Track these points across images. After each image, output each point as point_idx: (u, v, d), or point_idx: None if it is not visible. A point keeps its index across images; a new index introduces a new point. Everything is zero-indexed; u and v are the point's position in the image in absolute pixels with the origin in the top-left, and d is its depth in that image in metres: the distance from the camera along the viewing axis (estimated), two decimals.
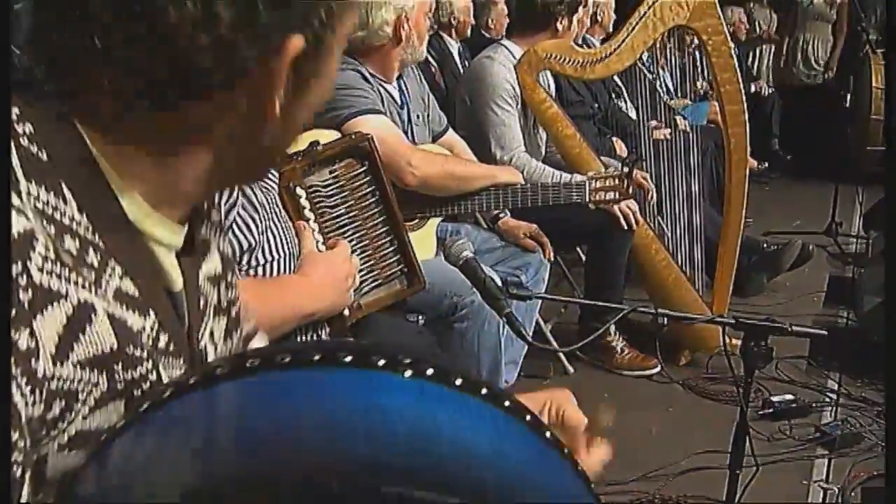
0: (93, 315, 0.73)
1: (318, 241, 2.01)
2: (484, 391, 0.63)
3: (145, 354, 0.78)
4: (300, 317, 1.80)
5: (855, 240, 5.70)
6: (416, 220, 2.97)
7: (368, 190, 2.20)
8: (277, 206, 1.88)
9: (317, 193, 2.10)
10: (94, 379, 0.73)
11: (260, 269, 1.78)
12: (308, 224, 2.01)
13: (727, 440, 2.18)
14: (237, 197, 1.71)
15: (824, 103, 7.14)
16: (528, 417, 0.65)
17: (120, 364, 0.75)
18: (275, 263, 1.82)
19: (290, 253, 1.86)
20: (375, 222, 2.23)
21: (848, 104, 6.16)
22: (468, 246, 2.01)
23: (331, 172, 2.14)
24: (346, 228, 2.16)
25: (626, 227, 3.57)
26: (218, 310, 0.95)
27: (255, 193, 1.77)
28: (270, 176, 1.89)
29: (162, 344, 0.81)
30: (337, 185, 2.14)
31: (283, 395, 0.61)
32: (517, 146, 3.58)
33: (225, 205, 1.69)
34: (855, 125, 6.63)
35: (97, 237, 0.76)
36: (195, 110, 0.77)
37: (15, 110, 0.74)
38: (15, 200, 0.70)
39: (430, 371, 0.63)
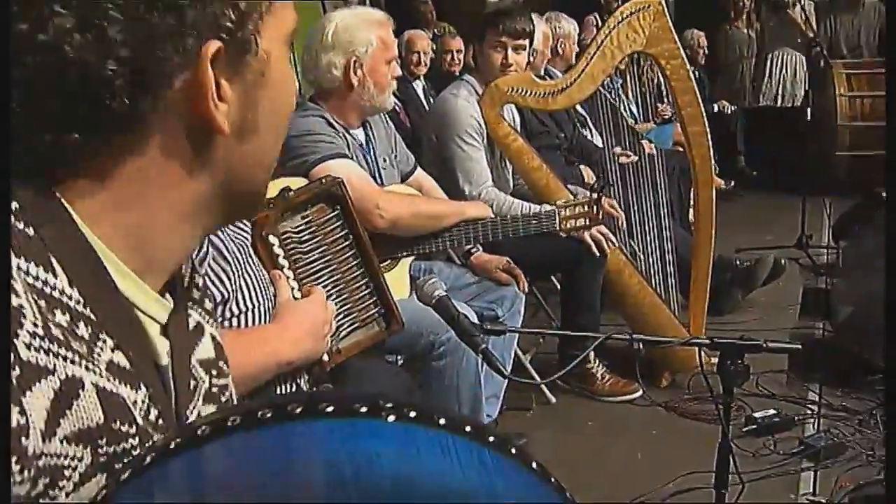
0: (80, 390, 0.72)
1: (293, 289, 2.00)
2: (468, 428, 0.63)
3: (133, 429, 0.77)
4: (277, 366, 1.79)
5: (826, 251, 5.75)
6: (389, 261, 2.97)
7: (341, 234, 2.20)
8: (250, 255, 1.87)
9: (290, 240, 2.10)
10: (78, 454, 0.72)
11: (235, 321, 1.77)
12: (283, 272, 2.01)
13: (713, 459, 2.19)
14: (207, 249, 1.71)
15: (787, 118, 7.23)
16: (513, 450, 0.65)
17: (104, 439, 0.74)
18: (249, 314, 1.81)
19: (265, 302, 1.85)
20: (350, 266, 2.23)
21: (809, 117, 6.24)
22: (440, 284, 2.02)
23: (303, 218, 2.14)
24: (321, 274, 2.16)
25: (598, 254, 3.59)
26: (209, 395, 0.95)
27: (225, 244, 1.76)
28: (242, 225, 1.89)
29: (153, 417, 0.81)
30: (310, 230, 2.14)
31: (266, 451, 0.61)
32: (485, 181, 3.60)
33: (196, 257, 1.68)
34: (819, 135, 6.71)
35: (88, 310, 0.76)
36: (136, 140, 0.78)
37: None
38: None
39: (412, 413, 0.63)
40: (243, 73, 0.80)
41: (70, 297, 0.75)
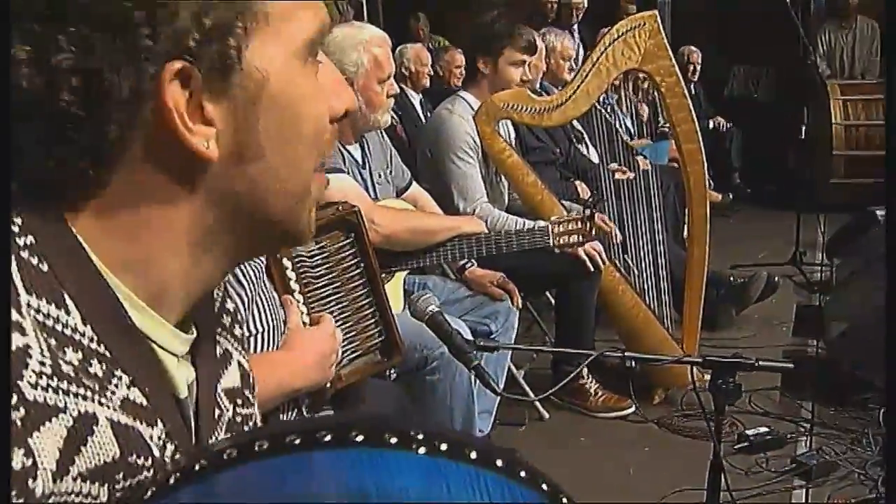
0: (94, 426, 0.70)
1: (302, 314, 1.99)
2: (499, 463, 0.61)
3: (149, 462, 0.75)
4: (284, 394, 1.79)
5: (820, 268, 5.76)
6: (384, 275, 2.97)
7: (353, 262, 2.19)
8: (262, 276, 1.86)
9: (302, 264, 2.08)
10: (94, 491, 0.70)
11: (245, 343, 1.76)
12: (293, 297, 2.00)
13: (705, 476, 2.19)
14: None
15: (782, 136, 7.24)
16: (544, 486, 0.63)
17: (121, 473, 0.72)
18: (259, 336, 1.80)
19: (276, 325, 1.84)
20: (358, 294, 2.21)
21: (803, 135, 6.26)
22: (433, 300, 2.02)
23: (316, 243, 2.11)
24: (329, 300, 2.14)
25: (591, 270, 3.60)
26: (231, 425, 0.93)
27: (240, 267, 1.75)
28: None
29: (168, 453, 0.78)
30: (322, 256, 2.12)
31: (292, 478, 0.59)
32: (479, 197, 3.61)
33: None
34: (813, 158, 6.71)
35: (102, 346, 0.73)
36: (119, 170, 0.74)
37: (18, 221, 0.72)
38: (14, 315, 0.68)
39: (444, 446, 0.60)
40: (231, 93, 0.75)
41: (83, 335, 0.72)
